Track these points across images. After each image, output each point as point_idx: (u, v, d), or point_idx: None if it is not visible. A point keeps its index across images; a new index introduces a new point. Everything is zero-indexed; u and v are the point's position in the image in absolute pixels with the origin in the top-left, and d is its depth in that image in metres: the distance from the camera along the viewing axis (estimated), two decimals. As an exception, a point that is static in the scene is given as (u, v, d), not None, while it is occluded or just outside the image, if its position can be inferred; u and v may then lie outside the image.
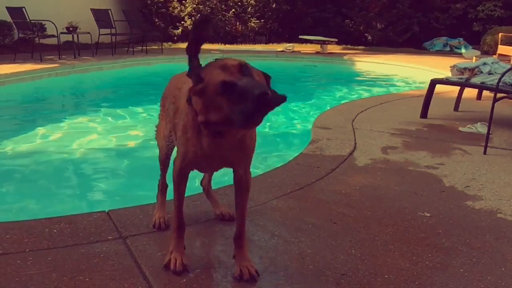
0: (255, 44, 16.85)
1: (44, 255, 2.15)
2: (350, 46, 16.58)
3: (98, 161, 4.64)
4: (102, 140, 5.34)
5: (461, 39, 16.41)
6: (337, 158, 3.75)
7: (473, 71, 5.36)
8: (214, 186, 2.78)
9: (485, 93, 6.30)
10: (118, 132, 5.65)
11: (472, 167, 3.66)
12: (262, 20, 17.33)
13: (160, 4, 16.80)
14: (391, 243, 2.40)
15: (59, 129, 5.72)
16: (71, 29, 11.04)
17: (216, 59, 1.77)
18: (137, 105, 7.16)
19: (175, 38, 16.58)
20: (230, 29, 17.08)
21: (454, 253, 2.31)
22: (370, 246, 2.35)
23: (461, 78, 5.33)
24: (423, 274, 2.12)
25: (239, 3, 17.10)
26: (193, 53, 1.74)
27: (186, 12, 16.67)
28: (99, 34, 11.91)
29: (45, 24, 11.44)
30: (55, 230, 2.39)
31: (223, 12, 16.97)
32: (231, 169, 2.06)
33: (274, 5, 17.30)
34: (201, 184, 2.71)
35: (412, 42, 16.74)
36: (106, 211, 2.64)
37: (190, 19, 16.63)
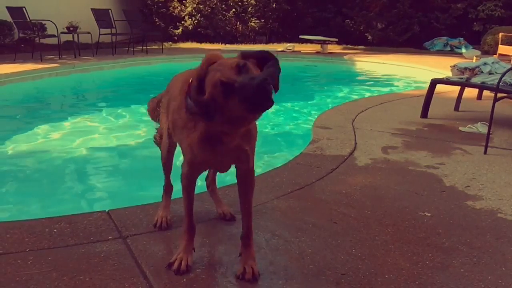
0: (255, 44, 16.84)
1: (45, 255, 2.15)
2: (350, 46, 16.57)
3: (98, 160, 4.64)
4: (102, 140, 5.34)
5: (462, 39, 16.40)
6: (337, 158, 3.75)
7: (473, 71, 5.36)
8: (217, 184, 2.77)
9: (486, 93, 6.30)
10: (118, 132, 5.65)
11: (472, 167, 3.66)
12: (263, 20, 17.32)
13: (160, 4, 16.80)
14: (392, 243, 2.40)
15: (60, 129, 5.72)
16: (71, 29, 11.05)
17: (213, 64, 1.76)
18: (137, 105, 7.15)
19: (176, 38, 16.58)
20: (230, 29, 17.07)
21: (454, 253, 2.31)
22: (371, 246, 2.35)
23: (462, 78, 5.33)
24: (423, 274, 2.12)
25: (239, 3, 17.09)
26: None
27: (187, 12, 16.67)
28: (100, 34, 11.91)
29: (45, 24, 11.45)
30: (55, 230, 2.39)
31: (223, 12, 16.97)
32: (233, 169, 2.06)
33: (274, 5, 17.29)
34: (206, 181, 2.70)
35: (413, 42, 16.72)
36: (107, 210, 2.64)
37: (190, 19, 16.64)
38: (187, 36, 16.75)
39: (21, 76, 8.44)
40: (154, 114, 2.68)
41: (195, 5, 16.58)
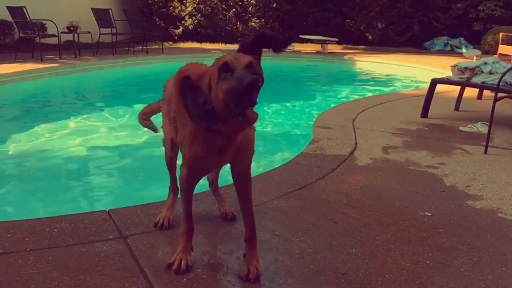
0: (255, 43, 16.81)
1: (45, 255, 2.15)
2: (350, 46, 16.58)
3: (98, 160, 4.64)
4: (103, 140, 5.34)
5: (462, 38, 16.39)
6: (337, 158, 3.75)
7: (473, 70, 5.35)
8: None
9: (486, 92, 6.30)
10: (118, 132, 5.65)
11: (472, 167, 3.66)
12: (263, 20, 17.32)
13: (160, 4, 16.81)
14: (392, 242, 2.40)
15: (60, 129, 5.72)
16: (71, 28, 11.05)
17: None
18: (138, 104, 7.15)
19: (176, 37, 16.58)
20: (230, 29, 17.07)
21: (454, 253, 2.31)
22: (371, 246, 2.35)
23: (462, 78, 5.33)
24: (423, 273, 2.12)
25: (240, 3, 17.10)
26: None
27: (187, 12, 16.68)
28: (100, 34, 11.92)
29: (45, 24, 11.46)
30: (56, 230, 2.39)
31: (224, 12, 16.97)
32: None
33: (274, 5, 17.29)
34: (208, 181, 2.70)
35: (413, 42, 16.72)
36: (107, 210, 2.64)
37: (190, 19, 16.64)
38: (188, 36, 16.76)
39: (21, 76, 8.44)
40: (143, 120, 2.74)
41: (195, 5, 16.58)
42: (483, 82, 5.02)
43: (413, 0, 16.80)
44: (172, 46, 15.09)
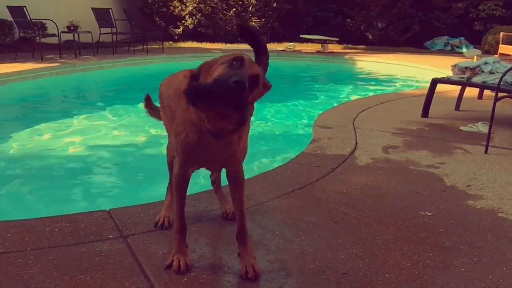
0: (256, 43, 16.80)
1: (45, 254, 2.15)
2: (351, 46, 16.57)
3: (98, 160, 4.64)
4: (103, 139, 5.34)
5: (462, 38, 16.39)
6: (338, 157, 3.75)
7: (474, 70, 5.35)
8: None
9: (486, 92, 6.29)
10: (119, 131, 5.65)
11: (473, 167, 3.66)
12: (263, 20, 17.31)
13: (161, 3, 16.81)
14: (392, 242, 2.40)
15: (60, 128, 5.72)
16: (72, 28, 11.05)
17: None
18: (138, 104, 7.15)
19: (176, 37, 16.58)
20: (231, 28, 17.06)
21: (455, 253, 2.31)
22: (371, 245, 2.35)
23: (462, 78, 5.33)
24: (424, 273, 2.12)
25: (240, 2, 17.09)
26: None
27: (187, 11, 16.67)
28: (100, 33, 11.92)
29: (46, 23, 11.45)
30: (56, 229, 2.39)
31: (224, 11, 16.96)
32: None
33: (275, 4, 17.29)
34: (210, 178, 2.70)
35: (413, 42, 16.72)
36: (107, 210, 2.64)
37: (190, 18, 16.64)
38: (188, 35, 16.76)
39: (22, 76, 8.44)
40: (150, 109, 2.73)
41: (195, 5, 16.58)
42: (484, 82, 5.02)
43: (414, -1, 16.82)
44: (172, 46, 15.08)
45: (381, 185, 3.21)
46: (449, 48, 16.29)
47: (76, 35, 11.15)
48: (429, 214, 2.75)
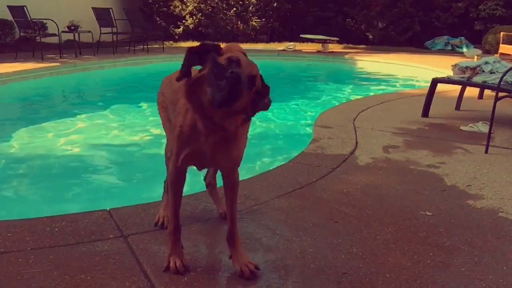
0: (256, 43, 16.84)
1: (46, 254, 2.15)
2: (351, 45, 16.56)
3: (99, 159, 4.64)
4: (104, 139, 5.34)
5: (463, 38, 16.39)
6: (338, 157, 3.75)
7: (474, 70, 5.35)
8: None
9: (487, 92, 6.29)
10: (119, 131, 5.65)
11: (473, 166, 3.66)
12: (264, 19, 17.31)
13: (161, 3, 16.81)
14: (392, 242, 2.40)
15: (60, 128, 5.73)
16: (72, 28, 11.05)
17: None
18: (138, 104, 7.17)
19: (176, 37, 16.58)
20: (231, 28, 17.06)
21: (455, 252, 2.31)
22: (371, 245, 2.35)
23: (463, 77, 5.33)
24: (424, 273, 2.12)
25: (240, 2, 17.09)
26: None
27: (187, 11, 16.68)
28: (100, 33, 11.93)
29: (46, 23, 11.46)
30: (56, 229, 2.39)
31: (224, 11, 16.96)
32: None
33: (275, 4, 17.28)
34: (204, 180, 2.70)
35: (414, 41, 16.72)
36: (108, 209, 2.64)
37: (191, 18, 16.64)
38: (188, 35, 16.76)
39: (22, 75, 8.44)
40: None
41: (196, 4, 16.58)
42: (484, 82, 5.02)
43: (414, -1, 16.82)
44: (172, 46, 15.08)
45: (382, 185, 3.21)
46: (449, 48, 16.29)
47: (76, 34, 11.16)
48: (430, 213, 2.75)
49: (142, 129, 5.69)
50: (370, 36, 17.33)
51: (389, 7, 16.98)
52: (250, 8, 17.14)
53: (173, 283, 1.95)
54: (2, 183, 3.94)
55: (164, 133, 2.45)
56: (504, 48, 11.36)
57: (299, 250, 2.27)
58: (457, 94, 5.99)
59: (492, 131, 4.18)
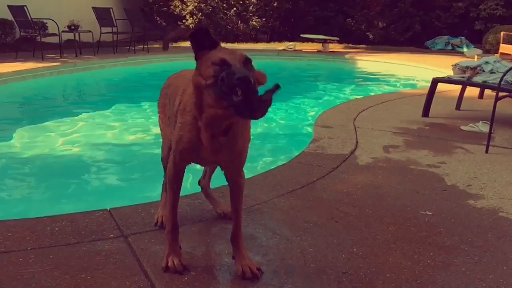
0: (256, 43, 16.84)
1: (46, 253, 2.15)
2: (351, 45, 16.55)
3: (99, 159, 4.64)
4: (104, 138, 5.34)
5: (463, 38, 16.38)
6: (338, 157, 3.75)
7: (475, 70, 5.34)
8: (215, 184, 2.77)
9: (487, 92, 6.28)
10: (119, 131, 5.65)
11: (474, 166, 3.66)
12: (264, 19, 17.30)
13: (161, 3, 16.82)
14: (393, 241, 2.40)
15: (61, 128, 5.73)
16: (72, 27, 11.05)
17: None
18: (139, 103, 7.17)
19: (177, 36, 16.55)
20: (231, 28, 17.06)
21: (455, 252, 2.31)
22: (372, 245, 2.35)
23: (463, 77, 5.32)
24: (424, 272, 2.12)
25: (241, 2, 17.08)
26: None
27: (188, 11, 16.67)
28: (101, 33, 11.92)
29: (46, 23, 11.46)
30: (57, 228, 2.39)
31: (225, 11, 16.95)
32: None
33: (275, 4, 17.28)
34: (199, 184, 2.69)
35: (414, 41, 16.71)
36: (108, 209, 2.64)
37: (191, 18, 16.63)
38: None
39: (22, 75, 8.45)
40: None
41: (196, 4, 16.57)
42: (484, 82, 5.01)
43: (414, -1, 16.81)
44: (173, 45, 15.06)
45: (382, 185, 3.21)
46: (449, 47, 16.28)
47: (76, 34, 11.16)
48: (430, 213, 2.75)
49: (142, 129, 5.69)
50: (371, 36, 17.32)
51: (389, 7, 16.97)
52: (251, 8, 17.14)
53: (173, 282, 1.95)
54: (2, 183, 3.95)
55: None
56: (504, 48, 11.35)
57: (300, 250, 2.27)
58: (457, 94, 5.99)
59: (492, 131, 4.18)
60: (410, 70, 10.88)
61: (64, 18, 11.20)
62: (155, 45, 13.59)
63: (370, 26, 17.37)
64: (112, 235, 2.35)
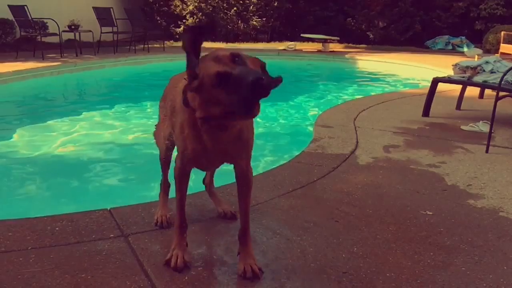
0: (256, 42, 16.83)
1: (46, 253, 2.16)
2: (352, 45, 16.55)
3: (99, 159, 4.64)
4: (104, 138, 5.34)
5: (463, 37, 16.37)
6: (339, 157, 3.75)
7: (475, 69, 5.34)
8: (217, 184, 2.78)
9: (487, 91, 6.28)
10: (120, 130, 5.65)
11: (474, 166, 3.66)
12: (264, 19, 17.29)
13: (161, 2, 16.80)
14: (393, 241, 2.40)
15: (61, 127, 5.73)
16: (73, 27, 11.04)
17: (207, 54, 1.75)
18: (139, 103, 7.17)
19: (177, 36, 16.56)
20: (231, 28, 17.06)
21: (456, 252, 2.31)
22: (372, 245, 2.35)
23: (463, 77, 5.32)
24: (424, 272, 2.12)
25: (241, 2, 17.06)
26: (192, 50, 1.71)
27: (188, 11, 16.66)
28: (101, 33, 11.91)
29: (47, 22, 11.46)
30: (57, 228, 2.39)
31: (225, 11, 16.95)
32: (232, 167, 2.06)
33: (276, 4, 17.26)
34: (203, 183, 2.71)
35: (414, 41, 16.70)
36: (108, 209, 2.64)
37: (192, 18, 16.63)
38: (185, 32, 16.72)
39: (23, 75, 8.44)
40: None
41: (196, 4, 16.56)
42: (485, 81, 5.01)
43: (414, -2, 16.80)
44: (173, 45, 15.06)
45: (382, 184, 3.21)
46: (450, 47, 16.27)
47: (77, 34, 11.14)
48: (430, 213, 2.75)
49: (142, 129, 5.68)
50: (371, 36, 17.31)
51: (389, 6, 16.96)
52: (251, 8, 17.13)
53: (174, 282, 1.95)
54: (3, 183, 3.95)
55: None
56: (504, 48, 11.35)
57: (300, 249, 2.27)
58: (457, 93, 5.99)
59: (492, 131, 4.18)
60: (411, 70, 10.87)
61: (65, 18, 11.20)
62: (155, 45, 13.60)
63: (371, 26, 17.37)
64: (112, 235, 2.35)
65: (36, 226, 2.41)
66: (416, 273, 2.10)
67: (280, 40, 17.18)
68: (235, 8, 16.96)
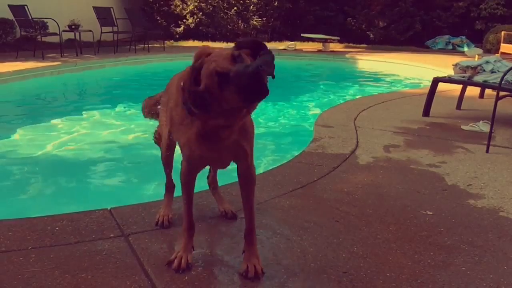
0: (257, 42, 16.79)
1: (47, 253, 2.16)
2: (352, 45, 16.55)
3: (100, 158, 4.64)
4: (104, 138, 5.34)
5: (464, 37, 16.38)
6: (339, 156, 3.75)
7: (475, 69, 5.34)
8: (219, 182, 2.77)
9: (488, 91, 6.27)
10: (120, 130, 5.65)
11: (474, 166, 3.66)
12: (264, 18, 17.29)
13: (162, 2, 16.79)
14: (393, 241, 2.40)
15: (61, 127, 5.73)
16: (73, 27, 11.04)
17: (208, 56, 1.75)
18: (139, 103, 7.14)
19: (177, 36, 16.57)
20: (232, 27, 17.05)
21: (456, 252, 2.31)
22: (372, 244, 2.35)
23: (464, 77, 5.32)
24: (425, 272, 2.12)
25: (241, 1, 17.06)
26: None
27: (188, 10, 16.66)
28: (101, 32, 11.92)
29: (47, 22, 11.46)
30: (57, 228, 2.39)
31: (225, 10, 16.95)
32: (234, 166, 2.06)
33: (276, 3, 17.26)
34: (207, 180, 2.70)
35: (414, 41, 16.70)
36: (109, 208, 2.64)
37: (192, 17, 16.63)
38: (189, 34, 16.74)
39: (23, 74, 8.45)
40: (149, 112, 2.71)
41: (196, 3, 16.56)
42: (485, 81, 5.01)
43: (415, -2, 16.80)
44: (173, 45, 15.07)
45: (382, 184, 3.21)
46: (450, 47, 16.28)
47: (77, 34, 11.15)
48: (430, 213, 2.75)
49: (143, 128, 5.68)
50: (371, 36, 17.31)
51: (390, 6, 16.96)
52: (251, 7, 17.13)
53: (174, 282, 1.95)
54: (3, 182, 3.95)
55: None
56: (505, 48, 11.35)
57: (300, 249, 2.27)
58: (458, 93, 5.99)
59: (493, 131, 4.18)
60: (411, 70, 10.87)
61: (65, 18, 11.20)
62: (155, 45, 13.60)
63: (371, 26, 17.37)
64: (112, 235, 2.35)
65: (36, 226, 2.41)
66: (416, 273, 2.10)
67: (280, 40, 17.18)
68: (235, 8, 16.96)
